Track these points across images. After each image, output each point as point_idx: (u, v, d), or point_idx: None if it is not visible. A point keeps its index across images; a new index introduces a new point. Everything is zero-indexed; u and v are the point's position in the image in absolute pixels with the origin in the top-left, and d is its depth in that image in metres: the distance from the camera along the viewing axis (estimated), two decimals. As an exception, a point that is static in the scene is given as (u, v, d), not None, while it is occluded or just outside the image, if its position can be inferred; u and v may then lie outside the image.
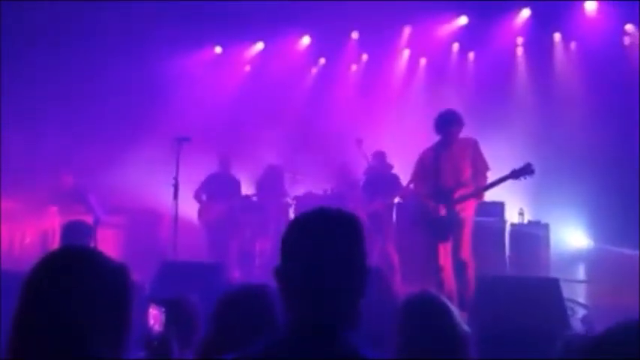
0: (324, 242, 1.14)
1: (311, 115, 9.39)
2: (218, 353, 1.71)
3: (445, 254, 4.59)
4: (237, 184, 6.95)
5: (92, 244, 4.48)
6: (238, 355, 1.13)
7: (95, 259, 1.16)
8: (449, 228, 4.58)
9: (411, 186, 5.26)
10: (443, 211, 4.58)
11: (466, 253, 4.54)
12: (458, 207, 4.55)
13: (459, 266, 4.53)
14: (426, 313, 1.70)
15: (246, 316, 1.87)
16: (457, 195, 4.54)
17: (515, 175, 4.38)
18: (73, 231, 3.71)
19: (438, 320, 1.67)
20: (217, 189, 6.77)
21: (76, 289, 1.09)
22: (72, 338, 1.05)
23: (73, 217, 5.08)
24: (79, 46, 7.88)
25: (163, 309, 1.90)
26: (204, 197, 6.84)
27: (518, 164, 4.42)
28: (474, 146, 4.65)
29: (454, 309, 1.76)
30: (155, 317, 1.86)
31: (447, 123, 4.61)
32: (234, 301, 1.95)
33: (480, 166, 4.61)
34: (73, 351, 1.05)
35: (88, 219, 5.49)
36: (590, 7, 8.09)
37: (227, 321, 1.90)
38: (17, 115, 7.40)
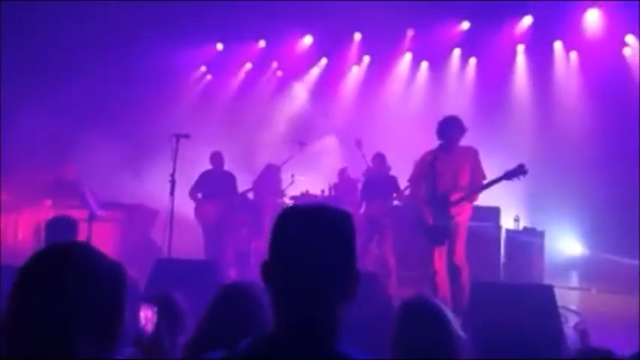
0: (307, 239, 1.06)
1: (311, 114, 9.39)
2: (204, 350, 1.69)
3: (440, 259, 4.60)
4: (232, 180, 6.79)
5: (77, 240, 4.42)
6: (225, 353, 1.09)
7: (90, 256, 1.13)
8: (444, 233, 4.59)
9: (408, 190, 5.26)
10: (438, 217, 4.59)
11: (461, 257, 4.55)
12: (453, 211, 4.56)
13: (454, 271, 4.54)
14: (421, 316, 1.70)
15: (235, 312, 1.86)
16: (453, 198, 4.55)
17: (508, 176, 4.37)
18: (57, 227, 3.55)
19: (433, 324, 1.67)
20: (212, 187, 6.69)
21: (68, 287, 1.06)
22: (62, 337, 1.03)
23: (67, 210, 5.04)
24: (76, 42, 7.84)
25: (156, 308, 1.89)
26: (199, 196, 6.78)
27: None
28: (474, 156, 4.68)
29: (449, 313, 1.75)
30: (147, 317, 1.84)
31: (449, 128, 4.62)
32: (226, 297, 1.94)
33: (478, 176, 4.63)
34: (62, 351, 1.03)
35: (83, 213, 5.45)
36: (592, 17, 8.13)
37: (217, 317, 1.88)
38: (13, 107, 7.36)
